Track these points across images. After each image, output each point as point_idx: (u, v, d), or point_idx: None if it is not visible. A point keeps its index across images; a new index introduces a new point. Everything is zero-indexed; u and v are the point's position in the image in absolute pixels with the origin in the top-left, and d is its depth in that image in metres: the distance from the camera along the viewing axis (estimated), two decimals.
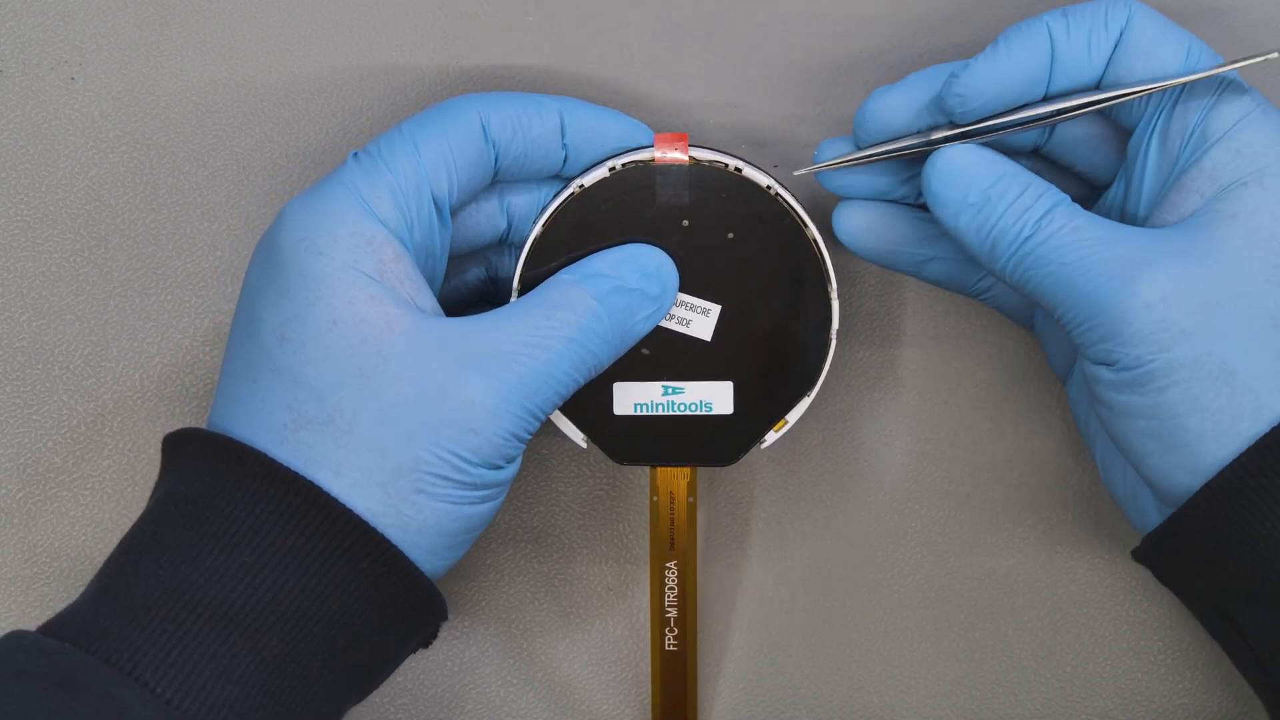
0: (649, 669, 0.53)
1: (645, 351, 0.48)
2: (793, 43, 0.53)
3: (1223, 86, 0.44)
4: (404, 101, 0.52)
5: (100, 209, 0.53)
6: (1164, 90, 0.45)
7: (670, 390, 0.48)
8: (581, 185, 0.47)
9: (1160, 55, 0.44)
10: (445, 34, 0.52)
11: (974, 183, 0.45)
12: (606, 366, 0.46)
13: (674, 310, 0.48)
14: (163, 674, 0.39)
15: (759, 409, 0.48)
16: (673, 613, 0.50)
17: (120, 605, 0.40)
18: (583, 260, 0.47)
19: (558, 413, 0.48)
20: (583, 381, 0.45)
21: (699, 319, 0.48)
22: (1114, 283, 0.42)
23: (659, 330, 0.48)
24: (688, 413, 0.48)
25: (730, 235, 0.48)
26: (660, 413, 0.48)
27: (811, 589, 0.53)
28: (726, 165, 0.48)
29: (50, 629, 0.41)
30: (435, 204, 0.45)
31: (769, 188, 0.48)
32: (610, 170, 0.47)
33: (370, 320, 0.42)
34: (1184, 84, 0.44)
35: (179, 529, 0.41)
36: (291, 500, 0.41)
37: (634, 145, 0.48)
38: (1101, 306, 0.42)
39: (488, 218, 0.49)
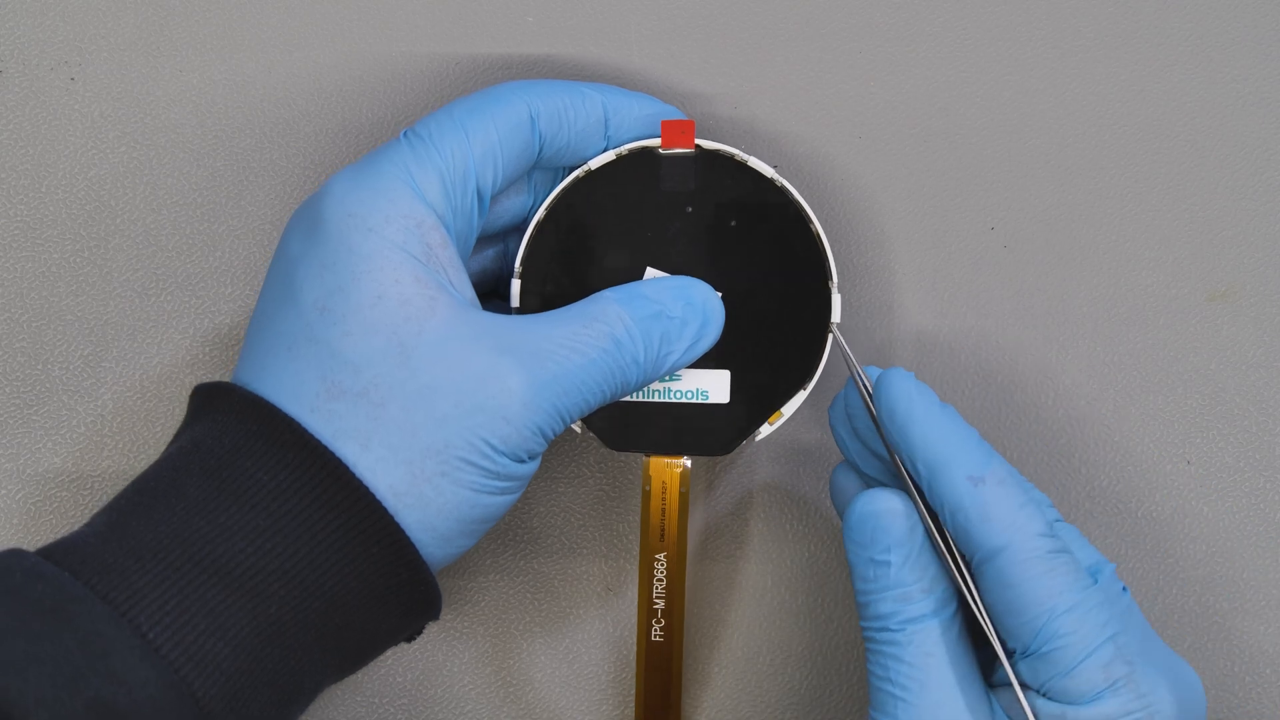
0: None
1: None
2: (793, 44, 0.53)
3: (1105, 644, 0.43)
4: (404, 101, 0.52)
5: (100, 209, 0.53)
6: None
7: (667, 376, 0.48)
8: (588, 169, 0.48)
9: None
10: (446, 33, 0.53)
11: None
12: (634, 390, 0.46)
13: None
14: (156, 620, 0.39)
15: (756, 399, 0.48)
16: (660, 604, 0.50)
17: (127, 545, 0.40)
18: (629, 284, 0.47)
19: None
20: (609, 398, 0.45)
21: None
22: None
23: None
24: (683, 400, 0.48)
25: (733, 223, 0.48)
26: (656, 399, 0.48)
27: (811, 589, 0.53)
28: (733, 155, 0.48)
29: (51, 554, 0.41)
30: (479, 193, 0.45)
31: (774, 179, 0.48)
32: (616, 155, 0.48)
33: (415, 301, 0.43)
34: None
35: (199, 480, 0.41)
36: (317, 473, 0.41)
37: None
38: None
39: (518, 203, 0.49)
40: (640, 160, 0.48)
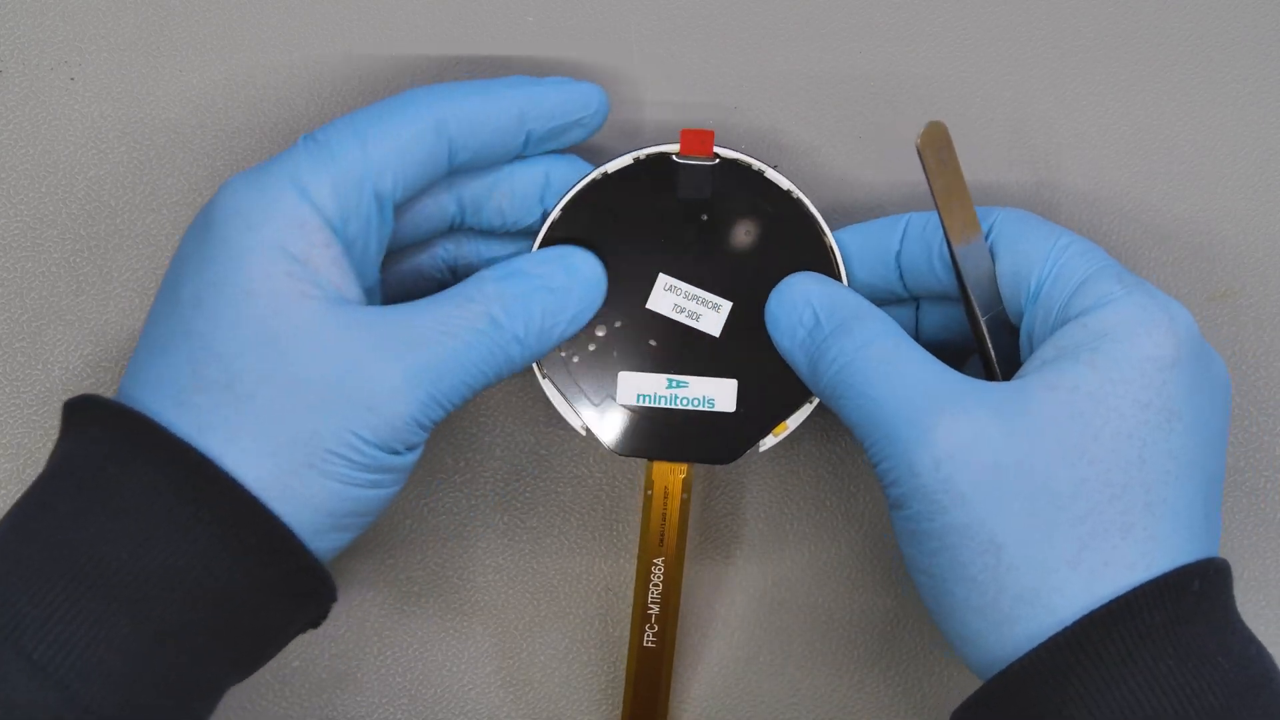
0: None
1: (652, 342, 0.48)
2: (793, 45, 0.53)
3: (1098, 268, 0.44)
4: None
5: (100, 209, 0.53)
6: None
7: (674, 384, 0.48)
8: (605, 172, 0.48)
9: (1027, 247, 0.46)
10: (446, 33, 0.53)
11: (809, 304, 0.46)
12: (523, 366, 0.46)
13: (684, 303, 0.48)
14: (40, 639, 0.39)
15: (762, 410, 0.48)
16: (655, 610, 0.50)
17: (4, 568, 0.40)
18: (509, 259, 0.47)
19: (558, 397, 0.48)
20: (493, 379, 0.45)
21: (709, 314, 0.48)
22: (911, 429, 0.42)
23: (667, 322, 0.48)
24: (690, 408, 0.48)
25: (747, 234, 0.48)
26: (663, 405, 0.48)
27: (811, 589, 0.53)
28: (750, 165, 0.48)
29: None
30: (378, 199, 0.45)
31: (790, 191, 0.48)
32: (634, 159, 0.48)
33: (285, 294, 0.42)
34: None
35: (69, 494, 0.41)
36: (181, 471, 0.41)
37: (591, 108, 0.47)
38: (899, 450, 0.43)
39: (436, 208, 0.48)
40: (657, 166, 0.48)
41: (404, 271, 0.50)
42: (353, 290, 0.44)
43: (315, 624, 0.45)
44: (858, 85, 0.53)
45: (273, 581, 0.42)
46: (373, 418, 0.42)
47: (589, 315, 0.48)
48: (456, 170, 0.47)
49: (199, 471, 0.41)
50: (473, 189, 0.48)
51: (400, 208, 0.47)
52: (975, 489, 0.41)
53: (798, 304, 0.47)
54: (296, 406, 0.42)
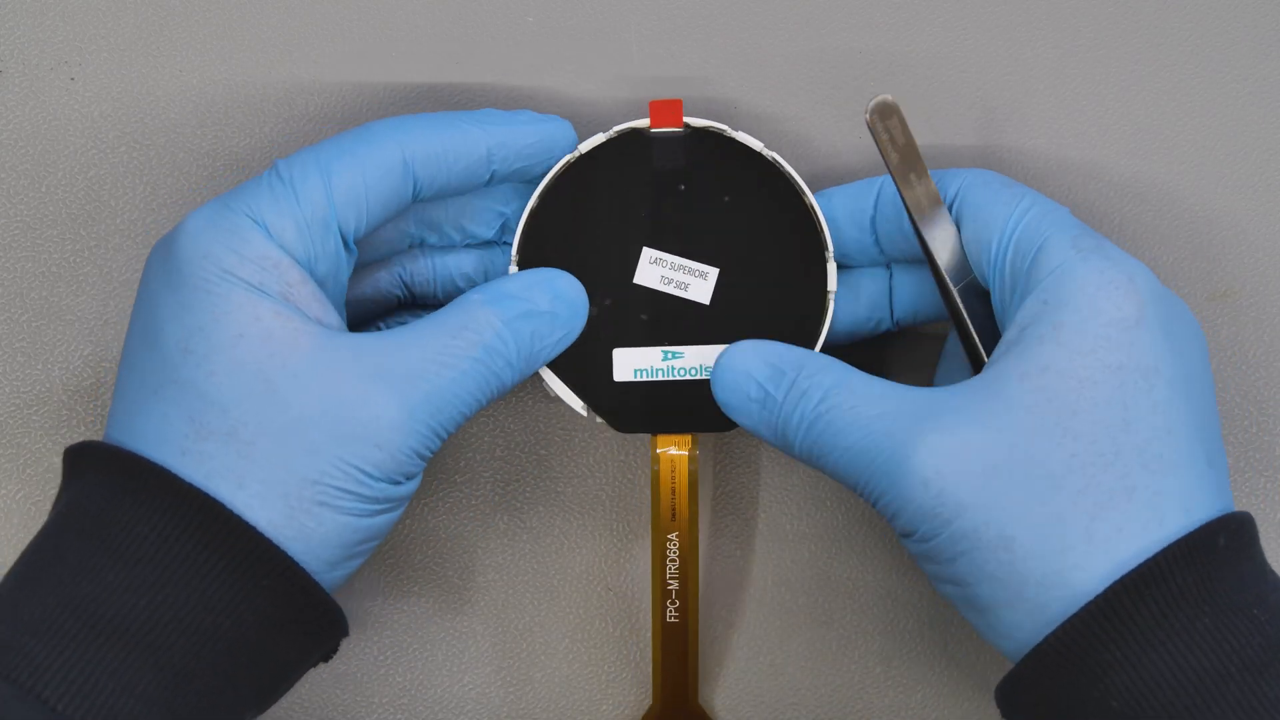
0: (649, 644, 0.52)
1: (643, 316, 0.48)
2: (793, 40, 0.53)
3: (1055, 233, 0.44)
4: (404, 101, 0.53)
5: (100, 209, 0.53)
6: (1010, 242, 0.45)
7: (670, 355, 0.48)
8: (579, 153, 0.48)
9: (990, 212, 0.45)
10: (446, 32, 0.53)
11: (751, 378, 0.46)
12: (511, 387, 0.46)
13: (671, 274, 0.48)
14: (63, 691, 0.39)
15: None
16: (674, 584, 0.49)
17: (20, 621, 0.40)
18: (494, 281, 0.47)
19: (558, 381, 0.48)
20: (485, 403, 0.45)
21: (697, 282, 0.48)
22: (892, 461, 0.42)
23: (656, 294, 0.48)
24: (688, 377, 0.48)
25: (727, 199, 0.48)
26: (660, 378, 0.49)
27: (811, 588, 0.53)
28: (722, 130, 0.48)
29: None
30: (341, 237, 0.45)
31: (762, 152, 0.48)
32: (606, 137, 0.48)
33: (277, 336, 0.42)
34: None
35: (80, 544, 0.41)
36: (193, 516, 0.41)
37: (560, 146, 0.48)
38: (889, 483, 0.43)
39: (396, 232, 0.49)
40: (631, 141, 0.48)
41: (362, 288, 0.50)
42: (334, 320, 0.44)
43: (327, 659, 0.46)
44: (858, 84, 0.53)
45: (287, 620, 0.42)
46: (378, 454, 0.43)
47: (573, 338, 0.48)
48: (421, 201, 0.47)
49: (212, 516, 0.41)
50: (433, 214, 0.49)
51: (364, 240, 0.48)
52: (972, 494, 0.41)
53: (739, 381, 0.46)
54: (302, 449, 0.42)
